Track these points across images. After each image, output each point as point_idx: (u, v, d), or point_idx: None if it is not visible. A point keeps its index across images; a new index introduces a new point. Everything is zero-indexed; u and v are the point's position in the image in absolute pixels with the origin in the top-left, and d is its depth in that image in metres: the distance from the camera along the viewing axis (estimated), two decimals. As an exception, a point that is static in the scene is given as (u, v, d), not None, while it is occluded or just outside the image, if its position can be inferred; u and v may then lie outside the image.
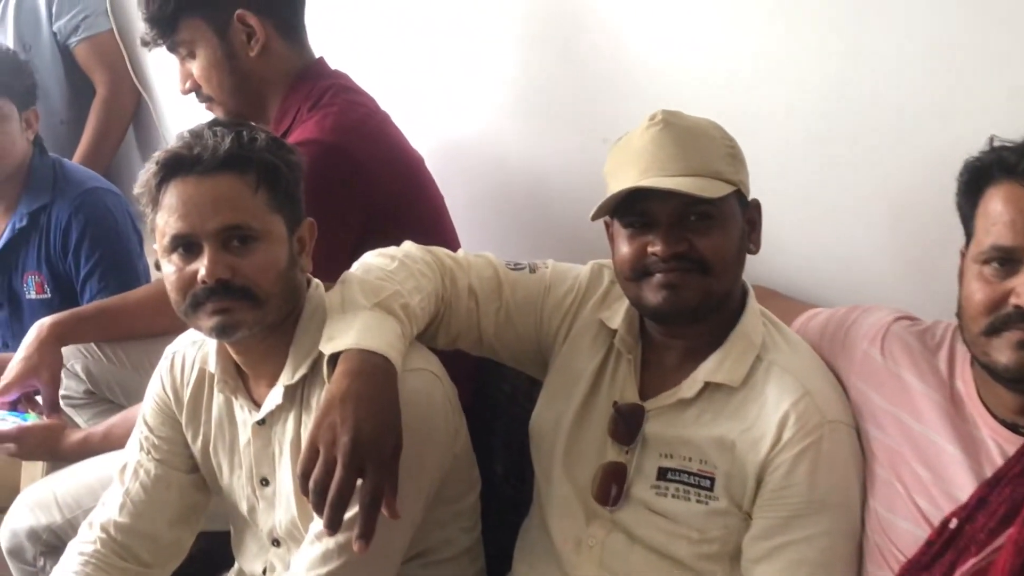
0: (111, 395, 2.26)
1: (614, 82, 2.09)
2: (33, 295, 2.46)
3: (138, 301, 2.25)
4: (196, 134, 1.53)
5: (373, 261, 1.62)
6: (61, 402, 2.22)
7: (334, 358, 1.46)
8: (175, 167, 1.51)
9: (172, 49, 2.03)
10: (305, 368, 1.56)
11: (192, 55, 2.01)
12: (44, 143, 2.51)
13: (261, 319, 1.52)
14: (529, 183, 2.30)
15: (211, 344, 1.65)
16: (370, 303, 1.51)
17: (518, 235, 2.33)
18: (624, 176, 1.49)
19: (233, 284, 1.49)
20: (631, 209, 1.50)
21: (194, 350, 1.70)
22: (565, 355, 1.67)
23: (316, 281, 1.64)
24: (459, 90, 2.40)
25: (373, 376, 1.42)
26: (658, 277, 1.48)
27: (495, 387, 2.03)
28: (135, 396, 2.18)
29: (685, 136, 1.49)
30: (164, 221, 1.52)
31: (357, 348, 1.44)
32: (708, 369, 1.52)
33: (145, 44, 2.04)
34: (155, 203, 1.53)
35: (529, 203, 2.31)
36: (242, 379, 1.65)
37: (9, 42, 3.07)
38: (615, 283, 1.63)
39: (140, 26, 2.04)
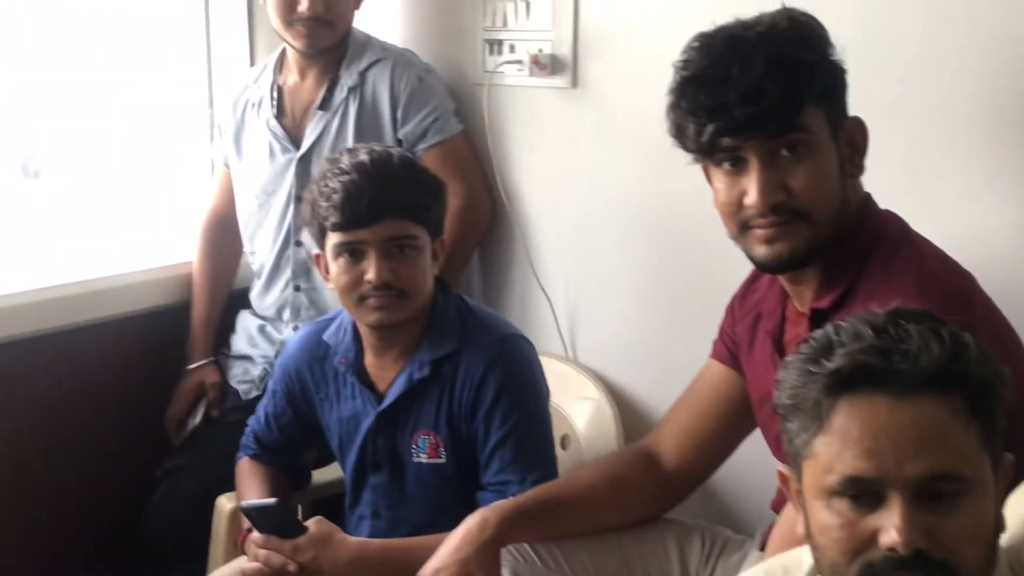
0: (548, 610, 1.77)
1: None
2: (424, 458, 2.02)
3: (583, 489, 1.78)
4: (883, 331, 1.07)
5: None
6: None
7: None
8: (859, 378, 1.07)
9: (762, 149, 1.47)
10: None
11: (805, 152, 1.48)
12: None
13: None
14: None
15: None
16: None
17: None
18: None
19: (932, 556, 1.04)
20: None
21: None
22: None
23: None
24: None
25: None
26: None
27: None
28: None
29: None
30: (833, 453, 1.08)
31: None
32: None
33: (724, 149, 1.48)
34: (817, 421, 1.10)
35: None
36: None
37: (349, 153, 2.66)
38: None
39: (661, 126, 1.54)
